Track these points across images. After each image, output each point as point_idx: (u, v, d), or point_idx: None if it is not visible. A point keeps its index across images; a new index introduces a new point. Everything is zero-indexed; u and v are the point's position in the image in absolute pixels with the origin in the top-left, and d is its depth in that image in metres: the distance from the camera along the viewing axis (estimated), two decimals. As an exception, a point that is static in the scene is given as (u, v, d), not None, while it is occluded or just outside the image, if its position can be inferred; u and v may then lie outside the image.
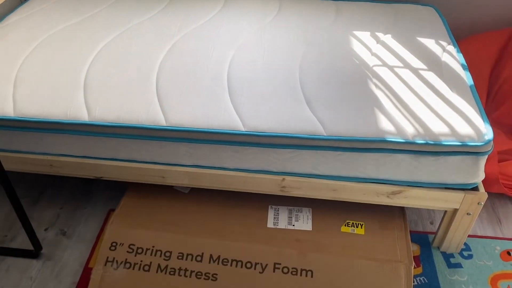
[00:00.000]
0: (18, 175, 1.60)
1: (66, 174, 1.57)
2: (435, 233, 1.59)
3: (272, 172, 1.45)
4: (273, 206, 1.59)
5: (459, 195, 1.40)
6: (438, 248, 1.59)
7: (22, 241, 1.62)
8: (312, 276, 1.39)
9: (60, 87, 1.50)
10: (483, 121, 1.36)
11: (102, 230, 1.65)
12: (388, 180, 1.42)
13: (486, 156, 1.34)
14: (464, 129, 1.33)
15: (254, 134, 1.36)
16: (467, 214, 1.44)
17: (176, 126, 1.39)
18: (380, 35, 1.76)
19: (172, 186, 1.67)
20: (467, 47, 1.92)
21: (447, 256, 1.57)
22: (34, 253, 1.56)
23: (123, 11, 1.92)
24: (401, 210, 1.58)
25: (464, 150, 1.31)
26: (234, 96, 1.46)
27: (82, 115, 1.42)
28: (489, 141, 1.31)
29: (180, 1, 2.01)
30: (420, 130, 1.33)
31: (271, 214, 1.56)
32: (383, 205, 1.51)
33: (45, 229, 1.67)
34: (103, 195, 1.80)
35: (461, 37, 2.07)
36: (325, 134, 1.34)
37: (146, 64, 1.59)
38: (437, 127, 1.34)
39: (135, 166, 1.50)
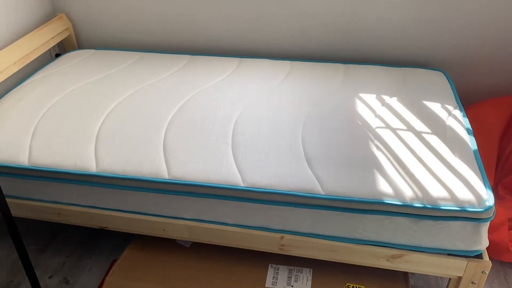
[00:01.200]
0: (30, 222, 1.66)
1: (73, 223, 1.62)
2: (442, 302, 1.53)
3: (271, 229, 1.45)
4: (273, 265, 1.57)
5: (462, 262, 1.35)
6: (445, 318, 1.52)
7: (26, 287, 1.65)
8: None
9: (74, 139, 1.58)
10: (485, 186, 1.34)
11: (103, 280, 1.66)
12: (388, 243, 1.39)
13: (488, 223, 1.30)
14: (464, 194, 1.31)
15: (253, 190, 1.38)
16: (471, 283, 1.39)
17: (177, 179, 1.43)
18: (386, 97, 1.80)
19: (174, 239, 1.69)
20: (477, 112, 1.93)
21: (454, 328, 1.49)
22: (35, 300, 1.57)
23: (141, 70, 2.04)
24: (405, 275, 1.53)
25: (464, 216, 1.29)
26: (236, 152, 1.50)
27: (90, 166, 1.48)
28: (489, 207, 1.28)
29: (196, 62, 2.12)
30: (419, 193, 1.33)
31: (270, 273, 1.54)
32: (385, 269, 1.47)
33: (49, 277, 1.69)
34: (108, 245, 1.82)
35: (470, 102, 2.08)
36: (322, 193, 1.35)
37: (157, 120, 1.67)
38: (437, 191, 1.33)
39: (139, 218, 1.53)
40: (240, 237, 1.48)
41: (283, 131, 1.60)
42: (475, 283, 1.38)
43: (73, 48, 2.37)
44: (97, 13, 2.29)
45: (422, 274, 1.67)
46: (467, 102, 2.07)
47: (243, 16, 2.15)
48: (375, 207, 1.32)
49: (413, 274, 1.66)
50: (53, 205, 1.58)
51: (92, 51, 2.27)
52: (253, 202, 1.40)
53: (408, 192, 1.33)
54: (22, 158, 1.52)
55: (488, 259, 1.35)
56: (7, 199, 1.57)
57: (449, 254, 1.38)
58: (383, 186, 1.35)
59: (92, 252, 1.80)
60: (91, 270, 1.72)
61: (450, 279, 1.44)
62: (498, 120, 1.91)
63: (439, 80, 1.94)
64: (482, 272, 1.35)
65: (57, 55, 2.38)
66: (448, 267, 1.37)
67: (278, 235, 1.44)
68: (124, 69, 2.07)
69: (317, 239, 1.43)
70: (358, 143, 1.53)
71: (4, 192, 1.55)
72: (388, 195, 1.33)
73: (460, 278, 1.39)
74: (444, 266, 1.37)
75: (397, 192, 1.33)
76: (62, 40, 2.30)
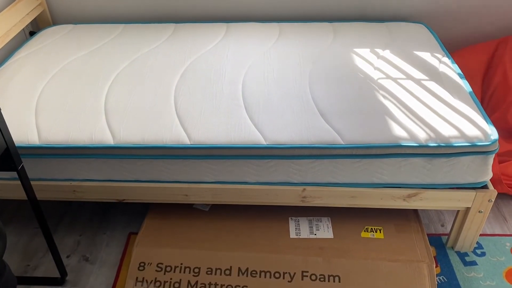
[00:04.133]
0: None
1: (89, 199, 1.60)
2: (448, 234, 1.67)
3: (292, 183, 1.51)
4: (293, 218, 1.64)
5: (471, 193, 1.48)
6: (452, 248, 1.66)
7: (45, 270, 1.62)
8: (339, 281, 1.43)
9: (81, 114, 1.54)
10: (487, 123, 1.46)
11: (124, 253, 1.67)
12: (403, 184, 1.49)
13: (494, 155, 1.43)
14: (471, 131, 1.42)
15: (276, 147, 1.42)
16: (479, 212, 1.52)
17: (200, 144, 1.44)
18: (379, 51, 1.88)
19: (192, 205, 1.71)
20: (458, 59, 2.05)
21: (462, 255, 1.64)
22: (60, 280, 1.56)
23: (130, 42, 1.99)
24: (415, 213, 1.65)
25: (474, 150, 1.40)
26: (251, 113, 1.53)
27: (107, 139, 1.46)
28: (495, 140, 1.40)
29: (183, 30, 2.10)
30: (431, 134, 1.42)
31: (292, 225, 1.61)
32: (397, 209, 1.58)
33: (67, 256, 1.67)
34: (120, 220, 1.82)
35: (450, 50, 2.21)
36: (343, 143, 1.42)
37: (162, 88, 1.66)
38: (447, 131, 1.43)
39: (159, 186, 1.54)
40: (262, 194, 1.53)
41: (291, 90, 1.64)
42: (482, 212, 1.52)
43: (47, 25, 2.26)
44: (70, -15, 2.19)
45: (424, 211, 1.81)
46: (448, 50, 2.19)
47: (226, -20, 2.14)
48: (393, 151, 1.41)
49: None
50: (68, 183, 1.55)
51: (70, 26, 2.18)
52: (276, 158, 1.45)
53: (421, 134, 1.43)
54: (31, 137, 1.47)
55: (493, 188, 1.49)
56: (17, 182, 1.52)
57: (458, 188, 1.50)
58: (398, 131, 1.44)
59: (106, 227, 1.78)
60: (109, 245, 1.72)
61: (458, 212, 1.57)
62: (478, 65, 2.05)
63: (422, 31, 2.04)
64: (489, 200, 1.49)
65: (31, 33, 2.26)
66: (458, 200, 1.50)
67: (300, 188, 1.51)
68: (112, 41, 2.01)
69: (336, 187, 1.51)
70: (365, 94, 1.60)
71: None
72: (404, 139, 1.42)
73: (468, 209, 1.53)
74: (455, 199, 1.50)
75: (412, 135, 1.42)
76: (35, 17, 2.18)
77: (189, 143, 1.45)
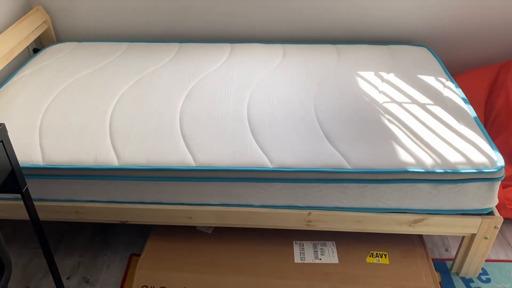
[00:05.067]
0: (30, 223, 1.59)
1: (91, 220, 1.58)
2: (453, 260, 1.65)
3: (298, 207, 1.50)
4: (297, 242, 1.62)
5: (477, 220, 1.47)
6: (457, 273, 1.65)
7: (44, 292, 1.59)
8: (345, 308, 1.41)
9: (86, 134, 1.53)
10: (493, 149, 1.46)
11: (126, 275, 1.64)
12: (409, 209, 1.48)
13: (500, 182, 1.43)
14: (478, 158, 1.42)
15: (282, 170, 1.42)
16: (484, 238, 1.51)
17: (205, 166, 1.43)
18: (383, 74, 1.89)
19: (195, 227, 1.70)
20: (460, 82, 2.07)
21: (466, 281, 1.62)
22: (60, 302, 1.53)
23: (134, 61, 1.99)
24: (420, 238, 1.64)
25: (480, 177, 1.40)
26: (257, 135, 1.53)
27: (112, 160, 1.45)
28: (501, 167, 1.40)
29: (188, 49, 2.10)
30: (438, 160, 1.42)
31: (296, 250, 1.59)
32: (402, 234, 1.57)
33: (68, 278, 1.65)
34: (121, 241, 1.79)
35: (453, 74, 2.22)
36: (349, 168, 1.41)
37: (167, 109, 1.65)
38: (453, 157, 1.43)
39: (162, 208, 1.52)
40: (267, 218, 1.52)
41: (297, 112, 1.64)
42: (487, 238, 1.51)
43: (51, 42, 2.27)
44: (75, 3, 2.20)
45: (429, 236, 1.80)
46: (451, 74, 2.20)
47: (231, 2, 2.15)
48: (400, 176, 1.41)
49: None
50: (71, 204, 1.53)
51: (75, 43, 2.18)
52: (282, 182, 1.44)
53: (427, 160, 1.42)
54: (35, 157, 1.46)
55: (499, 214, 1.48)
56: (18, 202, 1.50)
57: (464, 214, 1.49)
58: (404, 156, 1.44)
59: (107, 249, 1.76)
60: (110, 266, 1.69)
61: (463, 237, 1.56)
62: (481, 89, 2.07)
63: (425, 55, 2.06)
64: (495, 227, 1.48)
65: (35, 50, 2.26)
66: (464, 226, 1.49)
67: (306, 212, 1.49)
68: (116, 60, 2.01)
69: (342, 212, 1.50)
70: (371, 118, 1.60)
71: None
72: (410, 164, 1.41)
73: (474, 235, 1.52)
74: (461, 225, 1.49)
75: (418, 161, 1.42)
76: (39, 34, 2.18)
77: (194, 165, 1.44)
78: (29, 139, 1.52)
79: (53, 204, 1.53)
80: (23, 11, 2.15)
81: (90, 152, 1.47)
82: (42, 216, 1.51)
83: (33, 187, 1.49)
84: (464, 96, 1.75)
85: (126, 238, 1.80)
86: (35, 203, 1.48)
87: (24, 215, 1.36)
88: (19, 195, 1.23)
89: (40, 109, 1.65)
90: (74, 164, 1.44)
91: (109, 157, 1.46)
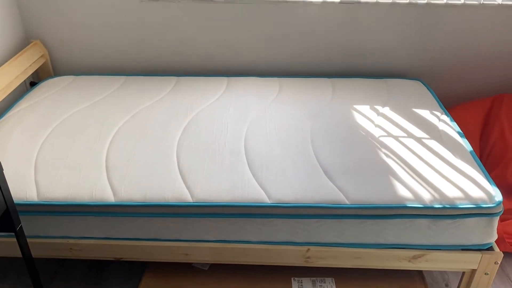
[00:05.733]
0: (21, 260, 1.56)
1: (85, 257, 1.54)
2: (454, 295, 1.63)
3: (296, 243, 1.48)
4: (296, 278, 1.60)
5: (477, 255, 1.46)
6: (458, 310, 1.62)
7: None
8: None
9: (82, 169, 1.52)
10: (490, 184, 1.47)
11: (119, 314, 1.60)
12: (408, 245, 1.47)
13: (499, 217, 1.42)
14: (475, 193, 1.42)
15: (280, 206, 1.40)
16: (485, 274, 1.50)
17: (202, 201, 1.42)
18: (378, 107, 1.90)
19: (191, 263, 1.66)
20: (454, 115, 2.09)
21: (468, 318, 1.59)
22: None
23: (131, 95, 2.00)
24: (420, 273, 1.62)
25: (479, 212, 1.39)
26: (254, 170, 1.52)
27: (108, 196, 1.43)
28: (499, 202, 1.40)
29: (185, 83, 2.12)
30: (436, 195, 1.42)
31: (295, 286, 1.56)
32: (401, 270, 1.55)
33: (59, 317, 1.60)
34: (116, 278, 1.75)
35: (446, 106, 2.25)
36: (348, 203, 1.41)
37: (165, 143, 1.65)
38: (451, 192, 1.43)
39: (158, 245, 1.50)
40: (265, 254, 1.50)
41: (294, 146, 1.64)
42: (488, 274, 1.49)
43: (48, 75, 2.28)
44: (73, 37, 2.22)
45: (428, 271, 1.77)
46: (444, 106, 2.23)
47: (228, 36, 2.19)
48: (398, 212, 1.40)
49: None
50: (65, 241, 1.50)
51: (72, 77, 2.19)
52: (280, 217, 1.43)
53: (426, 195, 1.42)
54: (30, 194, 1.44)
55: (498, 250, 1.47)
56: (11, 239, 1.47)
57: (463, 249, 1.48)
58: (402, 191, 1.43)
59: (101, 286, 1.72)
60: (103, 305, 1.65)
61: (463, 273, 1.54)
62: (475, 122, 2.09)
63: (419, 88, 2.09)
64: (495, 263, 1.47)
65: (32, 84, 2.27)
66: (464, 261, 1.47)
67: (304, 248, 1.47)
68: (113, 94, 2.02)
69: (341, 248, 1.48)
70: (368, 152, 1.61)
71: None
72: (408, 199, 1.41)
73: (474, 270, 1.50)
74: (461, 261, 1.47)
75: (416, 196, 1.42)
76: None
77: (191, 200, 1.42)
78: (24, 175, 1.50)
79: (46, 241, 1.50)
80: (22, 45, 2.17)
81: (86, 188, 1.45)
82: (35, 253, 1.48)
83: (27, 224, 1.46)
84: (459, 129, 1.76)
85: (121, 275, 1.76)
86: (28, 240, 1.46)
87: (17, 252, 1.32)
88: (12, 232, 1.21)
89: (36, 144, 1.64)
90: (70, 200, 1.42)
91: (105, 193, 1.44)
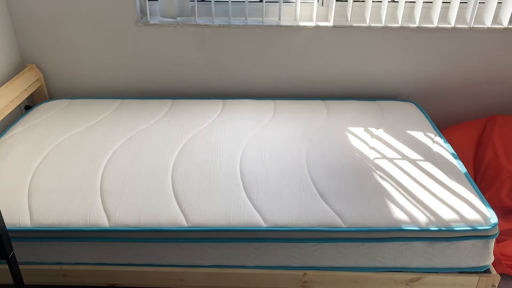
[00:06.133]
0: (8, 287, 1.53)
1: (79, 284, 1.52)
2: (452, 319, 1.61)
3: (292, 267, 1.47)
4: (292, 303, 1.57)
5: (474, 278, 1.45)
6: (457, 334, 1.60)
7: None
8: None
9: (76, 194, 1.51)
10: (485, 206, 1.47)
11: None
12: (405, 268, 1.46)
13: (495, 239, 1.42)
14: (471, 215, 1.43)
15: (276, 230, 1.40)
16: (482, 296, 1.49)
17: (197, 226, 1.41)
18: (373, 130, 1.92)
19: (187, 288, 1.64)
20: (448, 137, 2.11)
21: None
22: None
23: (127, 118, 2.00)
24: (417, 297, 1.60)
25: (475, 235, 1.39)
26: (250, 193, 1.52)
27: (102, 222, 1.42)
28: (495, 224, 1.40)
29: (180, 106, 2.13)
30: (432, 218, 1.42)
31: (291, 311, 1.54)
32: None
33: None
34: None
35: (439, 127, 2.27)
36: (344, 226, 1.40)
37: (160, 166, 1.65)
38: (447, 214, 1.43)
39: (153, 270, 1.48)
40: (261, 279, 1.48)
41: (289, 168, 1.64)
42: (486, 297, 1.49)
43: (43, 99, 2.28)
44: (68, 61, 2.23)
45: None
46: (438, 127, 2.25)
47: (223, 60, 2.21)
48: (395, 235, 1.39)
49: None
50: (58, 267, 1.48)
51: (67, 101, 2.19)
52: (276, 241, 1.42)
53: (421, 218, 1.42)
54: (23, 219, 1.43)
55: (495, 272, 1.47)
56: (3, 266, 1.45)
57: (460, 272, 1.47)
58: (398, 214, 1.43)
59: (94, 313, 1.68)
60: (96, 332, 1.61)
61: (461, 296, 1.53)
62: (469, 143, 2.11)
63: (412, 110, 2.11)
64: (492, 285, 1.46)
65: (27, 107, 2.27)
66: (461, 284, 1.47)
67: (301, 272, 1.46)
68: (108, 117, 2.02)
69: (338, 272, 1.47)
70: (363, 174, 1.61)
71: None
72: (404, 222, 1.41)
73: (471, 293, 1.49)
74: (458, 284, 1.47)
75: (412, 219, 1.42)
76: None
77: (186, 225, 1.41)
78: (18, 200, 1.49)
79: (39, 268, 1.48)
80: (17, 70, 2.18)
81: (80, 213, 1.44)
82: (27, 280, 1.46)
83: (19, 250, 1.45)
84: (453, 151, 1.77)
85: (114, 301, 1.73)
86: (20, 266, 1.44)
87: (8, 279, 1.31)
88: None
89: (30, 169, 1.63)
90: (63, 226, 1.41)
91: (99, 218, 1.43)
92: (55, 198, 1.50)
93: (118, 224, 1.41)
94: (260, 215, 1.44)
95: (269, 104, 2.15)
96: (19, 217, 1.43)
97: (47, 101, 2.19)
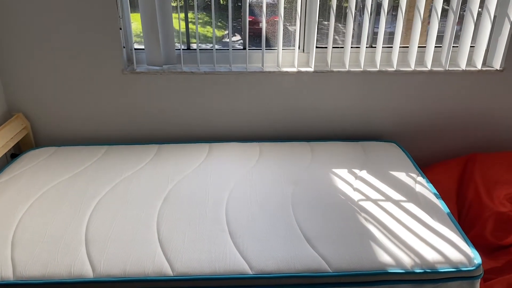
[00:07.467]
0: None
1: (62, 338, 1.48)
2: None
3: (280, 314, 1.45)
4: None
5: (462, 320, 1.45)
6: None
7: None
8: None
9: (61, 245, 1.50)
10: (469, 246, 1.49)
11: None
12: (393, 312, 1.46)
13: (480, 279, 1.43)
14: (455, 256, 1.44)
15: (263, 277, 1.39)
16: (472, 339, 1.48)
17: (183, 275, 1.40)
18: (356, 171, 1.95)
19: None
20: (430, 175, 2.15)
21: None
22: None
23: (113, 165, 2.02)
24: None
25: (460, 276, 1.40)
26: (235, 239, 1.52)
27: (87, 273, 1.40)
28: (479, 264, 1.42)
29: (166, 151, 2.15)
30: (416, 260, 1.43)
31: None
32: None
33: None
34: None
35: (421, 166, 2.32)
36: (330, 271, 1.40)
37: (145, 214, 1.65)
38: (431, 256, 1.44)
39: (138, 322, 1.45)
40: (249, 327, 1.46)
41: (275, 212, 1.66)
42: (475, 339, 1.48)
43: (30, 147, 2.29)
44: (55, 109, 2.26)
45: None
46: (419, 166, 2.30)
47: (209, 105, 2.26)
48: (380, 278, 1.40)
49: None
50: (40, 321, 1.44)
51: (53, 148, 2.20)
52: (263, 288, 1.41)
53: (406, 260, 1.43)
54: (5, 272, 1.40)
55: (483, 313, 1.47)
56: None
57: (448, 314, 1.47)
58: (383, 257, 1.44)
59: None
60: None
61: (450, 338, 1.52)
62: (451, 182, 2.14)
63: (394, 150, 2.16)
64: (481, 327, 1.46)
65: (13, 156, 2.27)
66: (450, 327, 1.46)
67: (288, 319, 1.45)
68: (94, 164, 2.03)
69: (326, 318, 1.45)
70: (348, 217, 1.63)
71: (-17, 314, 1.40)
72: (390, 265, 1.41)
73: (461, 336, 1.48)
74: (447, 326, 1.46)
75: (397, 261, 1.43)
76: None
77: (172, 274, 1.40)
78: (0, 253, 1.47)
79: (21, 323, 1.44)
80: (4, 119, 2.19)
81: (64, 264, 1.42)
82: (8, 336, 1.42)
83: (1, 305, 1.41)
84: (435, 191, 1.81)
85: None
86: (1, 322, 1.40)
87: (-12, 338, 1.27)
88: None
89: (14, 220, 1.62)
90: (47, 278, 1.39)
91: (83, 269, 1.41)
92: (39, 249, 1.48)
93: (102, 275, 1.40)
94: (246, 262, 1.44)
95: (254, 147, 2.18)
96: (1, 270, 1.41)
97: (34, 149, 2.20)
